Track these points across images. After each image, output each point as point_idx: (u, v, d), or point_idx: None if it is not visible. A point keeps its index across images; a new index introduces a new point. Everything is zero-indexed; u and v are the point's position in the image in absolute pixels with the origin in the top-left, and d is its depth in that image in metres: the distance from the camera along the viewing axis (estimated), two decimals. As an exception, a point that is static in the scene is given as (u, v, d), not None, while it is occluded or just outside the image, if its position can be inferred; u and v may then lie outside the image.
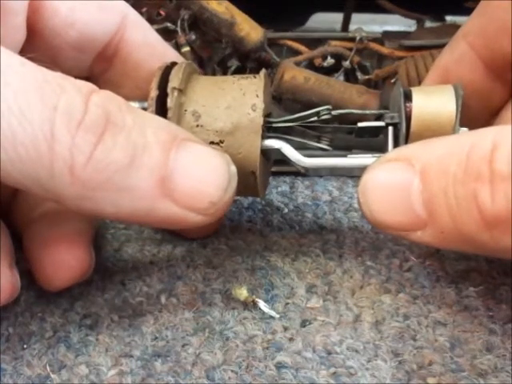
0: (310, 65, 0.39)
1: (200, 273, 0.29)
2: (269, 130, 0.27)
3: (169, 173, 0.22)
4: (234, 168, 0.24)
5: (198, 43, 0.37)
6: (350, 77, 0.39)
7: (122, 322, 0.27)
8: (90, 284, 0.29)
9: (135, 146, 0.21)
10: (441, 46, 0.31)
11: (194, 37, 0.37)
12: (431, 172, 0.21)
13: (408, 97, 0.26)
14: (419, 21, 0.41)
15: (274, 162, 0.31)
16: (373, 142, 0.28)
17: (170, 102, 0.26)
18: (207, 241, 0.31)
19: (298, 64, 0.38)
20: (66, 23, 0.28)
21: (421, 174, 0.22)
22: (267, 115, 0.28)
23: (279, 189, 0.36)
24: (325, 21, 0.48)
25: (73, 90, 0.21)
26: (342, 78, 0.39)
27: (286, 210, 0.34)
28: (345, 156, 0.27)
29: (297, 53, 0.38)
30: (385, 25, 0.44)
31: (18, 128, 0.20)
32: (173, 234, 0.32)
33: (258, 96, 0.26)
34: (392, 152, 0.24)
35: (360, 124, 0.27)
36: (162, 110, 0.25)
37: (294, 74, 0.36)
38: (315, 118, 0.28)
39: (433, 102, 0.26)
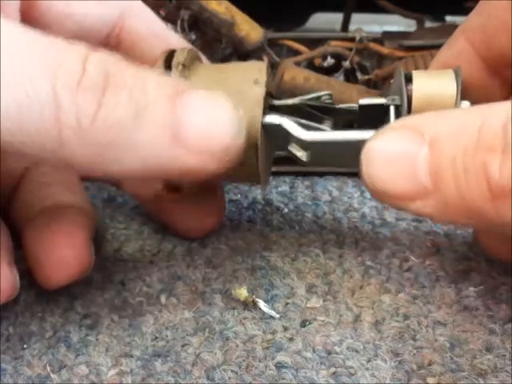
0: (310, 65, 0.39)
1: (200, 273, 0.29)
2: (271, 110, 0.27)
3: (178, 122, 0.22)
4: (240, 111, 0.23)
5: (198, 43, 0.38)
6: (350, 77, 0.39)
7: (121, 321, 0.27)
8: (90, 284, 0.29)
9: (138, 102, 0.21)
10: (441, 46, 0.31)
11: (194, 37, 0.37)
12: (442, 143, 0.21)
13: (409, 79, 0.26)
14: (419, 21, 0.41)
15: (275, 162, 0.31)
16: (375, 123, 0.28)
17: (174, 76, 0.26)
18: (207, 241, 0.31)
19: (298, 64, 0.38)
20: (63, 14, 0.27)
21: (430, 143, 0.21)
22: (269, 94, 0.28)
23: (279, 189, 0.36)
24: (325, 21, 0.48)
25: (70, 51, 0.21)
26: (342, 78, 0.39)
27: (286, 210, 0.34)
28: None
29: (297, 53, 0.39)
30: (385, 25, 0.44)
31: (21, 96, 0.19)
32: (173, 233, 0.32)
33: (260, 71, 0.26)
34: (397, 121, 0.24)
35: (361, 101, 0.27)
36: None
37: (294, 74, 0.36)
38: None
39: (434, 83, 0.26)
